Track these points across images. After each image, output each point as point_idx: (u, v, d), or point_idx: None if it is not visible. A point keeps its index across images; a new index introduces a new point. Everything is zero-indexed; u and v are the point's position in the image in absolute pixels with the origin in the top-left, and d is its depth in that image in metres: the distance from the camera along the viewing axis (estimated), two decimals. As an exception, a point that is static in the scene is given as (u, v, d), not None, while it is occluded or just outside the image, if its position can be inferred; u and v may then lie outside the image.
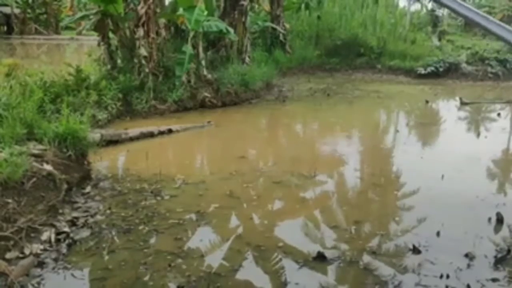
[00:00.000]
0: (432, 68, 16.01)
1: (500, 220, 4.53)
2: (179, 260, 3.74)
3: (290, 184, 5.62)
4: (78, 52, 22.03)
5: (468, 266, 3.70)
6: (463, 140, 8.39)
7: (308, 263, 3.75)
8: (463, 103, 11.64)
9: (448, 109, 11.73)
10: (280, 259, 3.82)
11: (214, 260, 3.82)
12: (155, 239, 4.09)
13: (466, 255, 3.82)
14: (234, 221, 4.65)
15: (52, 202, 4.37)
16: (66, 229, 4.10)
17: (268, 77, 12.34)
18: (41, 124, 5.33)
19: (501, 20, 28.43)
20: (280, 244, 4.07)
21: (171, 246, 3.96)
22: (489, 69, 16.12)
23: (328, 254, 3.86)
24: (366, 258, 3.84)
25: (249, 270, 3.70)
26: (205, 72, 10.19)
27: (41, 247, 3.77)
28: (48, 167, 4.69)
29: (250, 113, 10.09)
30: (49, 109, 6.38)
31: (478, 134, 8.89)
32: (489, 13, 29.48)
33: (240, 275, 3.63)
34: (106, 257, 3.76)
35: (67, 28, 32.82)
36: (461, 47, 18.01)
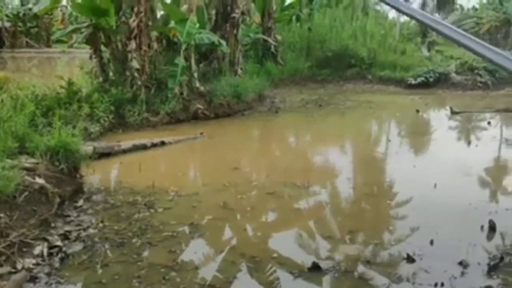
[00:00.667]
0: (422, 78, 16.19)
1: (492, 227, 4.56)
2: (173, 273, 3.71)
3: (283, 195, 5.62)
4: (69, 65, 22.01)
5: (462, 274, 3.71)
6: (454, 149, 8.46)
7: (303, 274, 3.74)
8: (453, 113, 11.76)
9: (439, 119, 11.84)
10: (275, 270, 3.81)
11: (209, 272, 3.80)
12: (148, 252, 4.07)
13: (460, 263, 3.84)
14: (228, 232, 4.64)
15: (45, 216, 4.33)
16: (59, 243, 4.07)
17: (260, 88, 12.40)
18: (33, 138, 5.31)
19: (488, 30, 28.69)
20: (275, 255, 4.06)
21: (165, 259, 3.94)
22: (478, 78, 16.32)
23: (323, 264, 3.85)
24: (361, 267, 3.84)
25: (244, 282, 3.68)
26: (197, 84, 10.22)
27: (34, 261, 3.73)
28: (40, 181, 4.66)
29: (242, 124, 10.12)
30: (41, 123, 6.35)
31: (469, 143, 8.98)
32: (477, 23, 29.91)
33: (234, 287, 3.62)
34: (100, 271, 3.72)
35: (58, 41, 32.79)
36: (450, 57, 18.24)
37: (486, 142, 8.78)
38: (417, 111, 12.05)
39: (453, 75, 16.53)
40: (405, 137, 9.64)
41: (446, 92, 15.88)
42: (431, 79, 16.15)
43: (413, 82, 16.18)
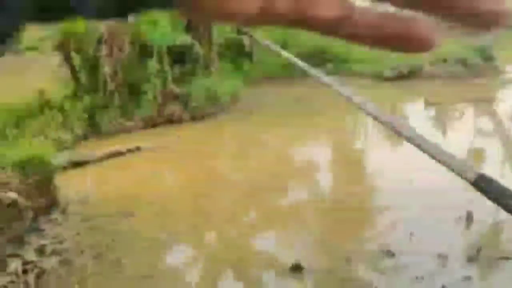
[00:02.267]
0: (396, 71, 16.40)
1: (470, 217, 4.62)
2: (153, 285, 3.65)
3: (262, 196, 5.59)
4: (40, 73, 21.56)
5: (442, 266, 3.75)
6: (429, 139, 8.55)
7: (285, 274, 3.72)
8: (428, 104, 11.94)
9: (414, 111, 12.01)
10: (257, 272, 3.79)
11: (191, 280, 3.75)
12: (126, 264, 3.99)
13: (439, 255, 3.87)
14: (208, 237, 4.60)
15: (18, 231, 4.21)
16: (34, 258, 3.96)
17: (236, 89, 12.35)
18: (4, 151, 5.17)
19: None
20: (256, 257, 4.04)
21: (145, 268, 3.87)
22: (450, 69, 16.61)
23: (304, 264, 3.84)
24: (342, 265, 3.84)
25: (228, 286, 3.65)
26: (172, 87, 10.12)
27: (8, 279, 3.62)
28: (12, 195, 4.52)
29: (219, 126, 10.06)
30: (12, 134, 6.19)
31: (444, 133, 9.11)
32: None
33: (217, 293, 3.58)
34: (77, 286, 3.64)
35: (29, 48, 32.09)
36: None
37: (460, 133, 8.93)
38: (392, 104, 12.19)
39: (427, 66, 16.79)
40: (382, 131, 9.72)
41: (421, 84, 16.12)
42: (405, 71, 16.38)
43: (388, 75, 16.38)
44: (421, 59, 16.86)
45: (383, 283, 3.55)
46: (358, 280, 3.62)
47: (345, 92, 0.78)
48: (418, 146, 0.55)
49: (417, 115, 11.21)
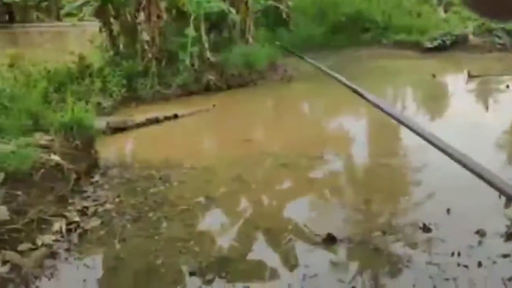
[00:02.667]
0: (439, 42, 15.73)
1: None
2: (190, 246, 3.76)
3: (297, 166, 5.60)
4: (80, 39, 21.92)
5: (479, 243, 3.68)
6: (471, 113, 8.28)
7: (318, 244, 3.75)
8: (471, 76, 11.48)
9: (456, 83, 11.58)
10: (290, 242, 3.83)
11: (225, 244, 3.84)
12: (165, 226, 4.12)
13: (477, 232, 3.80)
14: (242, 204, 4.66)
15: (62, 193, 4.39)
16: (77, 218, 4.13)
17: (272, 57, 12.20)
18: (47, 114, 5.34)
19: None
20: (289, 226, 4.08)
21: (182, 232, 3.98)
22: (496, 40, 15.81)
23: (338, 235, 3.85)
24: (376, 237, 3.83)
25: (259, 253, 3.71)
26: (208, 55, 10.10)
27: (53, 237, 3.80)
28: (55, 158, 4.70)
29: (255, 94, 10.03)
30: (54, 99, 6.38)
31: (487, 108, 8.78)
32: None
33: (251, 259, 3.66)
34: (118, 246, 3.79)
35: (68, 15, 32.60)
36: (468, 19, 17.62)
37: (504, 106, 8.58)
38: (433, 75, 11.79)
39: (471, 37, 16.04)
40: (421, 102, 9.47)
41: (464, 55, 15.47)
42: (448, 42, 15.70)
43: (429, 45, 15.75)
44: (465, 29, 16.12)
45: (418, 257, 3.53)
46: (392, 253, 3.61)
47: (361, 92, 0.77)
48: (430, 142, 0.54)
49: (458, 87, 10.82)
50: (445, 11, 19.09)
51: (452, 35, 15.80)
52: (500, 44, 15.64)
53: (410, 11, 17.71)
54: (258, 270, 3.50)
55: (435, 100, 9.48)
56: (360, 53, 15.96)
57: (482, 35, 16.08)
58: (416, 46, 15.90)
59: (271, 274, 3.45)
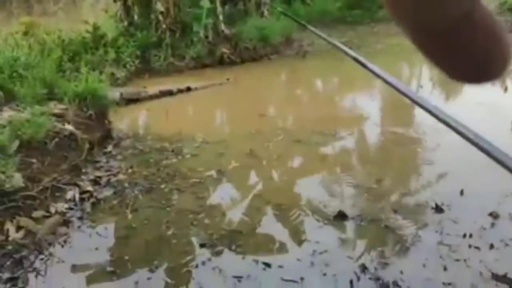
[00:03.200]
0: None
1: (526, 178, 4.43)
2: (201, 219, 3.79)
3: (310, 142, 5.56)
4: (94, 8, 21.80)
5: (492, 225, 3.65)
6: (489, 94, 8.11)
7: (328, 221, 3.75)
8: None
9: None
10: (300, 217, 3.84)
11: (235, 218, 3.86)
12: (177, 198, 4.15)
13: (490, 214, 3.76)
14: (254, 179, 4.67)
15: (75, 162, 4.44)
16: (90, 188, 4.18)
17: (287, 31, 12.01)
18: (61, 84, 5.35)
19: None
20: (301, 202, 4.08)
21: (193, 204, 4.01)
22: (517, 19, 15.34)
23: (349, 212, 3.85)
24: (388, 216, 3.82)
25: (270, 228, 3.73)
26: (223, 27, 9.98)
27: (66, 206, 3.86)
28: (69, 127, 4.73)
29: (269, 69, 9.92)
30: (68, 68, 6.38)
31: (506, 89, 8.59)
32: None
33: (261, 233, 3.68)
34: (130, 216, 3.83)
35: (83, -17, 32.29)
36: (490, -4, 17.13)
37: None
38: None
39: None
40: (437, 82, 9.29)
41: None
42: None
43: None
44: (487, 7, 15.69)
45: (429, 237, 3.51)
46: (403, 232, 3.60)
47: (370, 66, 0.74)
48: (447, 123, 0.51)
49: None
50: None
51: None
52: (521, 23, 15.20)
53: (431, -13, 17.25)
54: (268, 244, 3.52)
55: (451, 80, 9.28)
56: (376, 29, 15.64)
57: (504, 13, 15.64)
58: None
59: (280, 248, 3.47)
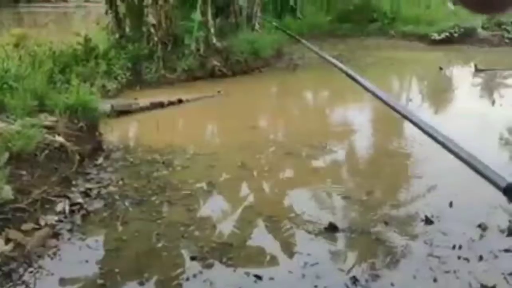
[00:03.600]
0: (447, 34, 15.57)
1: (513, 190, 4.48)
2: (192, 231, 3.78)
3: (301, 154, 5.59)
4: (85, 20, 21.82)
5: (481, 236, 3.69)
6: (477, 107, 8.25)
7: (319, 233, 3.76)
8: (478, 70, 11.39)
9: (463, 76, 11.51)
10: (292, 230, 3.84)
11: (226, 230, 3.86)
12: (167, 210, 4.13)
13: (479, 226, 3.80)
14: (245, 191, 4.67)
15: (65, 174, 4.41)
16: (80, 200, 4.15)
17: (278, 44, 12.12)
18: (52, 95, 5.34)
19: None
20: (291, 214, 4.09)
21: (184, 217, 4.00)
22: (505, 34, 15.66)
23: (340, 224, 3.86)
24: (378, 228, 3.84)
25: (261, 240, 3.73)
26: (214, 40, 10.04)
27: (56, 218, 3.82)
28: (60, 139, 4.71)
29: (260, 82, 9.99)
30: (59, 80, 6.36)
31: (493, 102, 8.73)
32: None
33: (252, 245, 3.67)
34: (120, 228, 3.81)
35: (74, -5, 32.36)
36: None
37: (510, 101, 8.52)
38: (440, 68, 11.71)
39: (479, 30, 15.88)
40: (426, 95, 9.42)
41: (471, 48, 15.34)
42: (455, 35, 15.54)
43: (437, 37, 15.60)
44: (474, 22, 15.97)
45: (419, 248, 3.54)
46: (393, 244, 3.62)
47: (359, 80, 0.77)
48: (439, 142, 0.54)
49: (465, 81, 10.75)
50: (454, 3, 18.88)
51: (460, 28, 15.65)
52: (509, 38, 15.50)
53: (419, 2, 17.55)
54: (259, 257, 3.52)
55: (441, 93, 9.42)
56: (367, 43, 15.84)
57: (491, 28, 15.92)
58: (424, 38, 15.76)
59: (271, 260, 3.47)
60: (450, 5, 18.44)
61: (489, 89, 10.03)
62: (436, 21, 16.25)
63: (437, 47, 15.10)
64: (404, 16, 16.46)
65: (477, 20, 16.19)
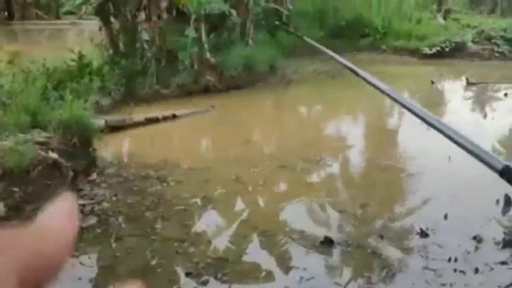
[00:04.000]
0: (438, 48, 15.77)
1: (508, 202, 4.50)
2: (187, 247, 3.75)
3: (295, 168, 5.59)
4: (79, 37, 21.89)
5: (476, 249, 3.69)
6: (469, 121, 8.31)
7: (315, 247, 3.75)
8: (469, 83, 11.52)
9: (454, 90, 11.63)
10: (287, 244, 3.82)
11: (221, 245, 3.83)
12: (161, 226, 4.10)
13: (474, 238, 3.81)
14: (240, 206, 4.65)
15: (59, 190, 4.37)
16: (73, 216, 4.11)
17: (271, 60, 12.21)
18: (45, 112, 5.32)
19: None
20: (287, 228, 4.07)
21: (178, 232, 3.97)
22: (495, 48, 15.88)
23: (335, 238, 3.85)
24: (373, 241, 3.83)
25: (256, 255, 3.70)
26: (208, 56, 10.10)
27: (49, 235, 3.78)
28: (53, 155, 4.68)
29: (254, 97, 10.03)
30: (53, 96, 6.35)
31: (485, 115, 8.81)
32: None
33: (247, 260, 3.64)
34: (114, 245, 3.77)
35: (67, 12, 32.51)
36: (467, 26, 17.71)
37: (502, 114, 8.60)
38: (432, 82, 11.83)
39: (470, 44, 16.10)
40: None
41: (462, 62, 15.53)
42: (446, 49, 15.75)
43: (428, 52, 15.80)
44: (464, 37, 16.19)
45: (415, 261, 3.53)
46: (389, 257, 3.61)
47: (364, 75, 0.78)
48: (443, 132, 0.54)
49: (456, 94, 10.86)
50: (445, 18, 19.17)
51: (451, 42, 15.86)
52: (498, 52, 15.73)
53: (410, 17, 17.79)
54: (255, 272, 3.49)
55: (433, 107, 9.49)
56: (359, 58, 15.98)
57: (481, 42, 16.15)
58: (415, 52, 15.95)
59: (267, 276, 3.44)
60: (441, 20, 18.73)
61: (480, 102, 10.13)
62: (427, 35, 16.46)
63: (429, 61, 15.27)
64: (395, 31, 16.67)
65: (467, 35, 16.43)
